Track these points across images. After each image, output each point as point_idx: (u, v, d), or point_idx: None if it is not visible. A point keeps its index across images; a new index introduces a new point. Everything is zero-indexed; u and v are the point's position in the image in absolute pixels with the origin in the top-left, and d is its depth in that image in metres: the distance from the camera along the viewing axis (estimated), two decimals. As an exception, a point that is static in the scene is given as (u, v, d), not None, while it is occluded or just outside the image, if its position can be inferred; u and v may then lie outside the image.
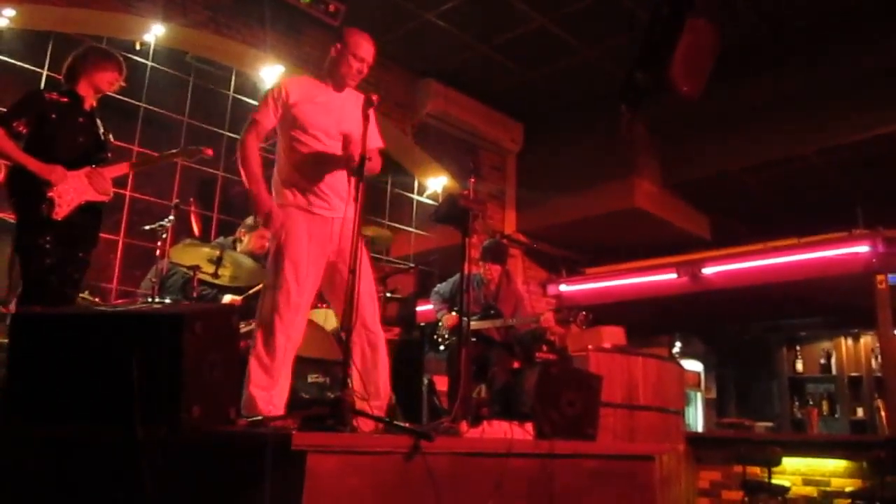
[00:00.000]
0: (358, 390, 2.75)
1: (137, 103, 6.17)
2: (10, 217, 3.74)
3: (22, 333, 2.32)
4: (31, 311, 2.77)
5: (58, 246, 3.36)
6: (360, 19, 6.71)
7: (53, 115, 3.48)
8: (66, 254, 3.41)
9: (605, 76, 6.79)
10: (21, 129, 3.37)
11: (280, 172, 3.19)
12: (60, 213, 3.36)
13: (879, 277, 6.75)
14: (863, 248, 6.92)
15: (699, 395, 10.21)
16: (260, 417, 2.61)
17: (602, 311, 8.57)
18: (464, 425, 2.76)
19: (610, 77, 6.38)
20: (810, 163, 7.38)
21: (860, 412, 8.85)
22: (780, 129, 7.09)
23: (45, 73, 5.65)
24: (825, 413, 9.07)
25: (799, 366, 9.60)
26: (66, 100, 3.56)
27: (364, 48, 3.27)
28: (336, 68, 3.26)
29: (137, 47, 6.02)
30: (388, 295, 4.86)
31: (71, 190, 3.41)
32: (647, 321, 9.18)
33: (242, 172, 3.11)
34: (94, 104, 3.70)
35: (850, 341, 9.25)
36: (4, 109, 3.52)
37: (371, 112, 2.92)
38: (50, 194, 3.33)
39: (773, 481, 5.92)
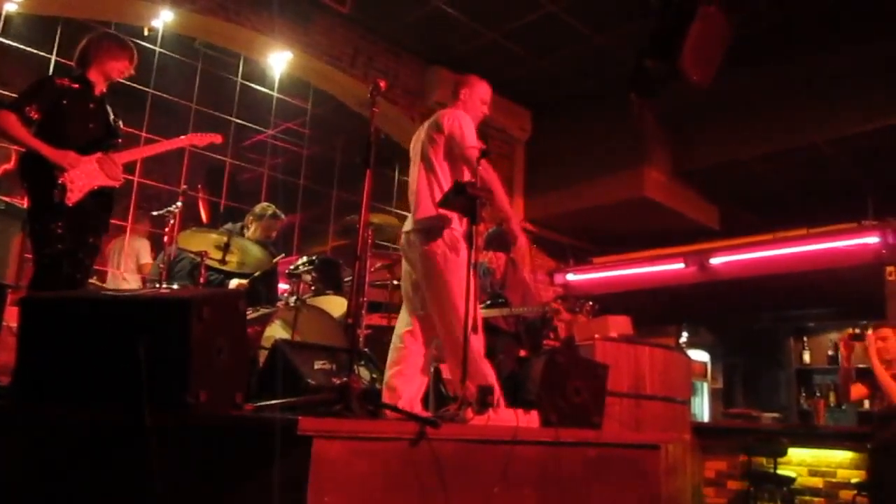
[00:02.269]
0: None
1: (146, 89, 6.19)
2: (22, 202, 3.76)
3: (33, 317, 2.34)
4: (42, 295, 2.79)
5: (69, 231, 3.38)
6: (369, 6, 6.71)
7: (65, 101, 3.48)
8: (76, 239, 3.42)
9: (616, 64, 6.75)
10: (33, 115, 3.38)
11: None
12: (72, 198, 3.37)
13: (889, 269, 6.72)
14: (873, 240, 6.88)
15: (706, 385, 10.21)
16: (271, 403, 2.61)
17: (609, 301, 8.54)
18: (469, 412, 2.77)
19: (620, 65, 6.33)
20: (821, 152, 7.33)
21: (867, 404, 8.80)
22: (791, 118, 7.03)
23: (53, 58, 5.66)
24: (832, 404, 9.04)
25: (806, 357, 9.57)
26: (77, 86, 3.57)
27: (488, 94, 3.65)
28: (465, 110, 3.56)
29: (146, 33, 6.02)
30: (395, 283, 4.87)
31: (83, 175, 3.42)
32: (654, 311, 9.17)
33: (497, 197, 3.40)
34: (105, 90, 3.70)
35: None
36: (15, 95, 3.53)
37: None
38: (62, 180, 3.34)
39: (779, 472, 5.93)
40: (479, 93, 3.62)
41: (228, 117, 6.80)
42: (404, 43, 7.34)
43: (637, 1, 5.97)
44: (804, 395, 9.39)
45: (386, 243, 6.62)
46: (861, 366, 8.82)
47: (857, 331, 4.74)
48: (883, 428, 4.42)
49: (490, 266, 5.32)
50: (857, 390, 4.72)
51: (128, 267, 5.71)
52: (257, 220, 5.08)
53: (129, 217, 6.32)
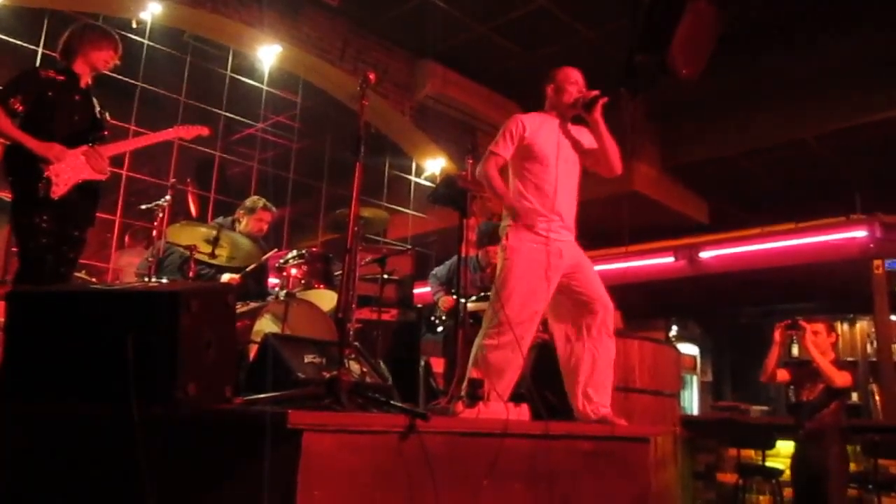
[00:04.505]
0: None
1: (134, 82, 6.14)
2: (6, 196, 3.73)
3: (18, 311, 2.32)
4: (28, 289, 2.76)
5: (54, 225, 3.34)
6: (359, -1, 6.68)
7: (50, 93, 3.45)
8: (62, 233, 3.39)
9: (606, 58, 6.73)
10: (18, 107, 3.34)
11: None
12: (58, 191, 3.34)
13: (876, 263, 6.77)
14: (860, 234, 6.93)
15: (695, 378, 10.27)
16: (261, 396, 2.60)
17: (599, 295, 8.56)
18: (459, 406, 2.77)
19: (610, 59, 6.33)
20: (809, 147, 7.37)
21: (855, 397, 8.87)
22: (780, 114, 7.07)
23: (40, 50, 5.61)
24: (820, 398, 9.09)
25: (795, 350, 9.61)
26: (62, 78, 3.53)
27: (573, 74, 3.58)
28: (559, 101, 3.54)
29: (134, 25, 5.98)
30: (386, 276, 4.85)
31: (68, 169, 3.39)
32: (644, 305, 9.20)
33: (493, 190, 3.35)
34: (90, 82, 3.67)
35: (846, 326, 9.28)
36: (0, 87, 3.50)
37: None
38: (47, 173, 3.31)
39: (768, 464, 5.97)
40: (565, 79, 3.56)
41: (218, 111, 6.76)
42: (394, 36, 7.32)
43: (627, -5, 5.97)
44: (792, 388, 9.42)
45: (376, 237, 6.60)
46: (849, 359, 8.98)
47: (793, 321, 4.84)
48: (810, 418, 4.54)
49: (482, 261, 5.32)
50: (780, 374, 4.88)
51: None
52: (248, 213, 5.05)
53: (118, 211, 6.28)
